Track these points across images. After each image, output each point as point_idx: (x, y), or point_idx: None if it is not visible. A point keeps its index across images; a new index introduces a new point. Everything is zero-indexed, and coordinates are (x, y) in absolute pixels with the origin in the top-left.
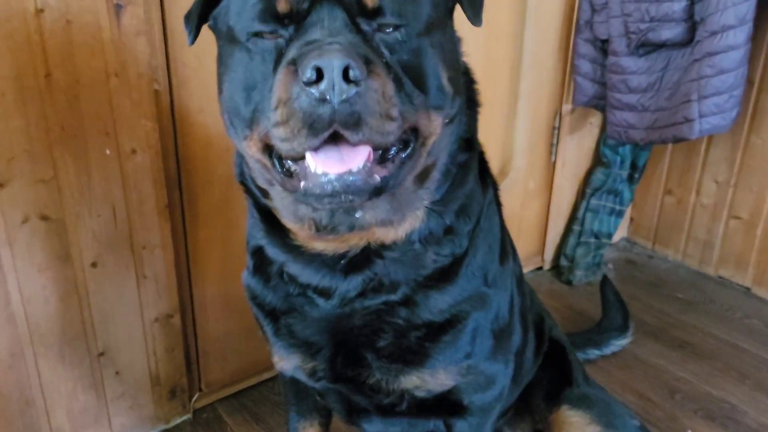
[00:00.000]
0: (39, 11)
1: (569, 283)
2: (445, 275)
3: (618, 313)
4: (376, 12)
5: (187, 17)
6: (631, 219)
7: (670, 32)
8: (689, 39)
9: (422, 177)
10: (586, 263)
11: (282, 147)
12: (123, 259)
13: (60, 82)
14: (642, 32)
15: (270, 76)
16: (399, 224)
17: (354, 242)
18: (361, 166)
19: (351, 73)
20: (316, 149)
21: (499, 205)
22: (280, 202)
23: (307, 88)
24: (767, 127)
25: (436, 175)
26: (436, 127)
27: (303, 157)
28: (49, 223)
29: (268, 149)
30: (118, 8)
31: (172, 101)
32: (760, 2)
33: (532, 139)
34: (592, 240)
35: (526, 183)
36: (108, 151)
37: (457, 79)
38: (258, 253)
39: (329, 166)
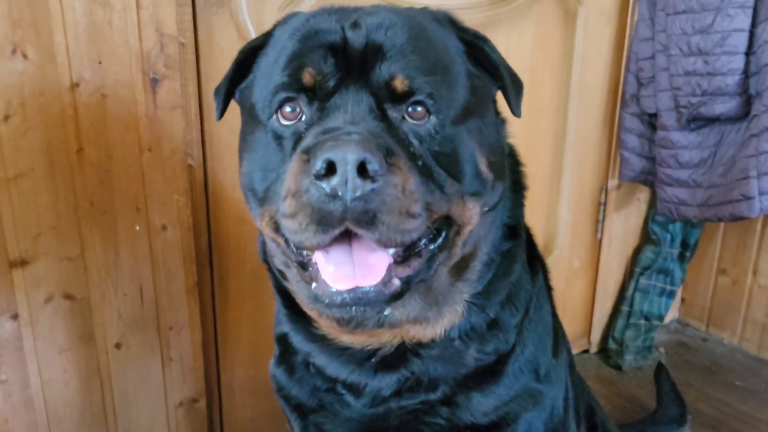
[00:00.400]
0: (74, 85)
1: (618, 367)
2: (488, 374)
3: (674, 403)
4: (407, 95)
5: (217, 91)
6: (683, 299)
7: (723, 106)
8: (744, 113)
9: (460, 268)
10: (636, 347)
11: (291, 239)
12: (148, 340)
13: (92, 157)
14: (693, 106)
15: (287, 159)
16: (436, 321)
17: (386, 339)
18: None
19: (369, 167)
20: (327, 245)
21: (549, 289)
22: (298, 287)
23: (317, 182)
24: None
25: (476, 265)
26: (472, 216)
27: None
28: (74, 302)
29: (281, 229)
30: (155, 82)
31: (205, 176)
32: None
33: (576, 215)
34: (642, 322)
35: (571, 261)
36: (138, 228)
37: (500, 164)
38: (283, 341)
39: (338, 280)
